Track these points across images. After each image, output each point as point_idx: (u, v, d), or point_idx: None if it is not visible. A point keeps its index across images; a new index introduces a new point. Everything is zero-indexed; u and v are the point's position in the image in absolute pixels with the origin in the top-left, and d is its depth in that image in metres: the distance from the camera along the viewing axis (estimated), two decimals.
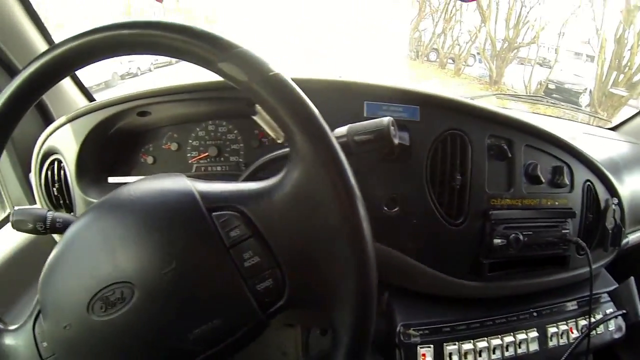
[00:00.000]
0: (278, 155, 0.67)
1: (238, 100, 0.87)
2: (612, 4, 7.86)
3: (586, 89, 8.30)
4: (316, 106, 0.44)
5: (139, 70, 7.96)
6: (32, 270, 0.96)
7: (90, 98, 1.24)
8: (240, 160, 0.96)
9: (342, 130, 0.57)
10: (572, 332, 0.99)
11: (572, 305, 1.02)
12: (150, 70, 8.30)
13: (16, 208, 0.67)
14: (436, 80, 9.66)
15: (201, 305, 0.44)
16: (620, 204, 1.03)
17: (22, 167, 1.06)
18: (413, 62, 10.74)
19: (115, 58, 0.48)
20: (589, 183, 1.00)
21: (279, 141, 0.64)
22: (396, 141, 0.57)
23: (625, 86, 7.15)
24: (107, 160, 0.96)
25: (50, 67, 0.47)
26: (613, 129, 1.61)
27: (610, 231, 1.01)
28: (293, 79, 0.44)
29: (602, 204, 1.01)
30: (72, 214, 0.94)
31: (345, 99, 0.84)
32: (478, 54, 9.90)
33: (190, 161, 0.96)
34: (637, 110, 1.55)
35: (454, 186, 0.86)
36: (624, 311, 1.04)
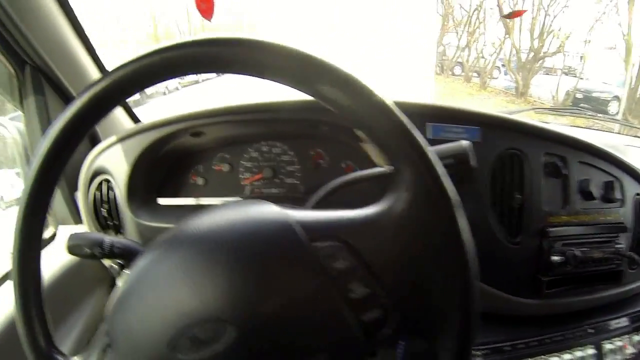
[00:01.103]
0: (354, 179, 0.66)
1: (295, 122, 0.87)
2: (638, 8, 7.74)
3: (615, 96, 8.12)
4: None
5: (166, 89, 8.10)
6: (76, 292, 0.97)
7: (136, 119, 1.25)
8: (297, 182, 0.95)
9: None
10: (627, 348, 0.96)
11: (624, 321, 1.00)
12: (177, 89, 8.43)
13: (71, 233, 0.66)
14: (464, 95, 9.56)
15: (304, 341, 0.42)
16: None
17: (68, 186, 1.06)
18: (438, 76, 10.63)
19: None
20: (638, 197, 0.98)
21: (384, 167, 0.64)
22: (474, 164, 0.56)
23: None
24: (155, 181, 0.97)
25: (132, 78, 0.40)
26: None
27: None
28: None
29: None
30: (119, 235, 0.95)
31: None
32: (503, 65, 9.76)
33: (243, 182, 0.96)
34: None
35: (513, 205, 0.86)
36: None
